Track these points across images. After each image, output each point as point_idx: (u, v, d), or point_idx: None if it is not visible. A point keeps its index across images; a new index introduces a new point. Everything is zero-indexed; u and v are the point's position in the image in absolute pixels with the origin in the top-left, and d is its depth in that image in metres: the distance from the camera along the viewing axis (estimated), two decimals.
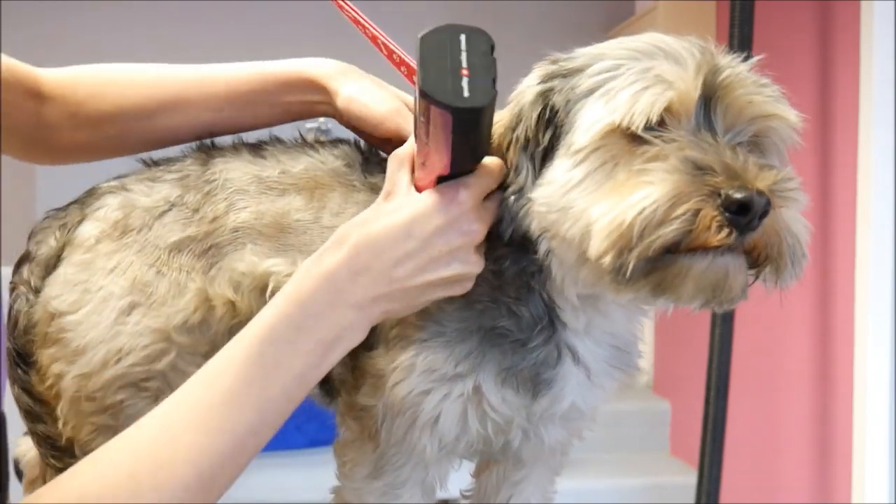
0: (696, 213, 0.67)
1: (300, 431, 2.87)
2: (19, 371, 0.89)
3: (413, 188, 0.78)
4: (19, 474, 1.45)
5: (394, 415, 0.84)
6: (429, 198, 0.76)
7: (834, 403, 2.57)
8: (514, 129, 0.78)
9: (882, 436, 2.39)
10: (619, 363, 0.87)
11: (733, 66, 0.75)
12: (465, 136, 0.72)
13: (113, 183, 0.94)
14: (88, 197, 0.94)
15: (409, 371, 0.82)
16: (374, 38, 0.94)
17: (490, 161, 0.79)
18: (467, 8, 3.94)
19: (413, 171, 0.78)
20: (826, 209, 2.59)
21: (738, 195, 0.67)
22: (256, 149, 0.95)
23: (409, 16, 3.89)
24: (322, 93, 0.95)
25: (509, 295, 0.82)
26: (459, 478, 1.00)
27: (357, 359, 0.86)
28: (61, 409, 0.88)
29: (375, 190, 0.85)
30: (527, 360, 0.82)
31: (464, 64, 0.69)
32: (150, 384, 0.86)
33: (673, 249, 0.69)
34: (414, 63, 0.88)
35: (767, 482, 2.89)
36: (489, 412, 0.83)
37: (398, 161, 0.79)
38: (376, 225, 0.75)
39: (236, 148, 0.96)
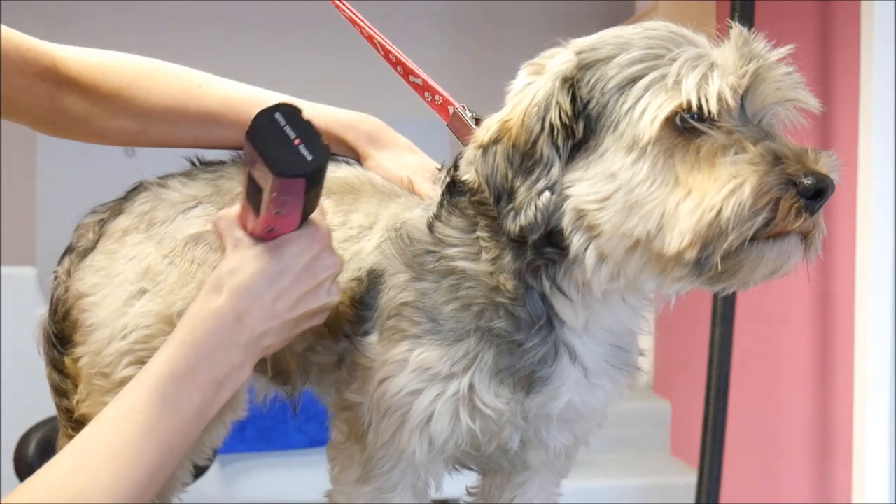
0: (777, 201, 0.70)
1: (300, 431, 2.86)
2: (55, 352, 0.96)
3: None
4: (19, 473, 1.46)
5: (381, 415, 0.84)
6: (293, 239, 0.82)
7: (834, 403, 2.57)
8: (541, 121, 0.75)
9: (882, 436, 2.39)
10: (619, 362, 0.87)
11: (767, 55, 0.76)
12: (315, 192, 0.81)
13: (155, 179, 0.98)
14: (130, 192, 0.99)
15: (401, 367, 0.82)
16: (370, 38, 0.95)
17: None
18: (467, 8, 3.93)
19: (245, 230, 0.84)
20: (826, 208, 2.59)
21: (814, 182, 0.71)
22: None
23: (408, 16, 3.90)
24: (346, 149, 1.02)
25: (507, 296, 0.81)
26: (465, 476, 1.01)
27: (350, 342, 0.87)
28: (81, 387, 0.92)
29: (412, 204, 0.91)
30: (524, 360, 0.82)
31: (292, 136, 0.76)
32: None
33: (753, 238, 0.71)
34: (410, 63, 0.93)
35: (767, 482, 2.89)
36: (481, 407, 0.82)
37: (228, 222, 0.84)
38: (248, 270, 0.82)
39: None
